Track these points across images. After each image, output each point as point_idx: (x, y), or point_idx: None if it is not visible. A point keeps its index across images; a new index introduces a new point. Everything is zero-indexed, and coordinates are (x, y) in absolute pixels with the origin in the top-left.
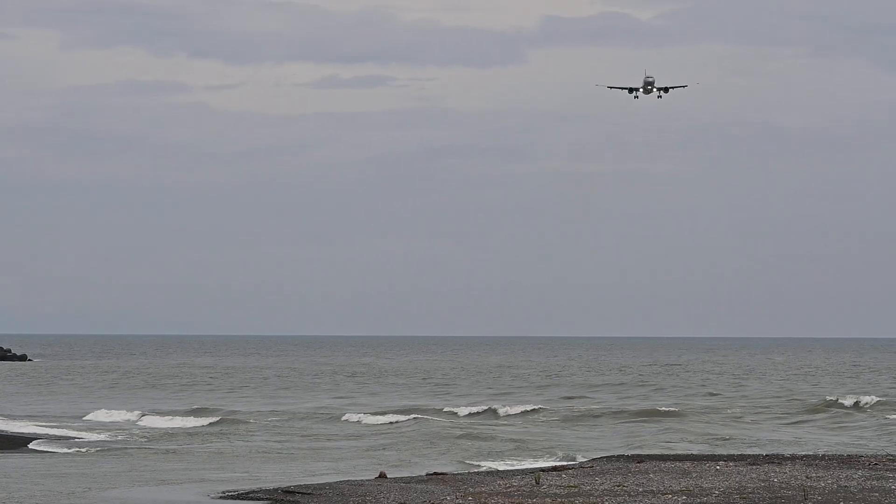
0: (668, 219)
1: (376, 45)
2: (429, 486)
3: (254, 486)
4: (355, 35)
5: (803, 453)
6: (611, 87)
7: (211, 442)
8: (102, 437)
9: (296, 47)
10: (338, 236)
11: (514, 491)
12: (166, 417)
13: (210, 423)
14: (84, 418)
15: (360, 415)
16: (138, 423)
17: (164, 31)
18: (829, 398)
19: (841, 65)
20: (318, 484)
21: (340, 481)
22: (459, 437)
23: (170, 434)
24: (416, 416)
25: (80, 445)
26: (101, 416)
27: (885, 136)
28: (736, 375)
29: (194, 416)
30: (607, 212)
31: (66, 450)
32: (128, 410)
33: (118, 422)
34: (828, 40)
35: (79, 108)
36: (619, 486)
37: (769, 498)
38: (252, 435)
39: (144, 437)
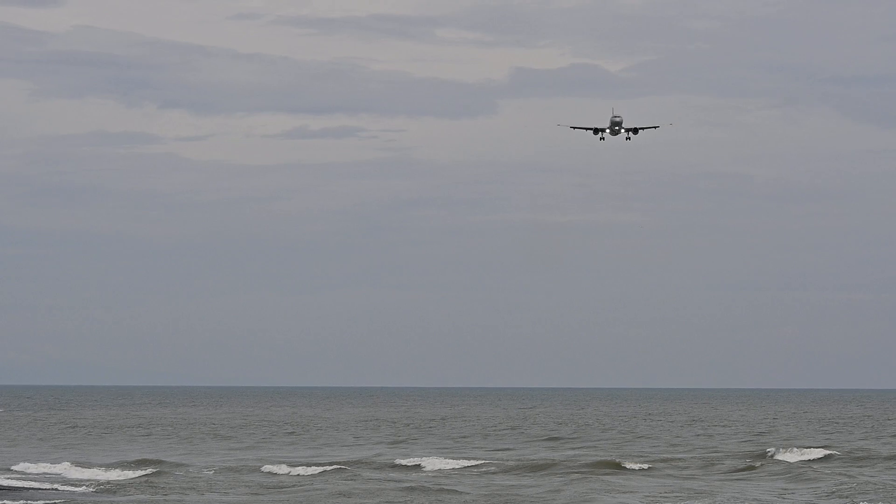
0: (636, 269)
1: (346, 97)
2: None
3: None
4: (325, 86)
5: None
6: (574, 128)
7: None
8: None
9: (266, 98)
10: (307, 285)
11: None
12: (90, 469)
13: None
14: (12, 468)
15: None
16: (62, 474)
17: (135, 82)
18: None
19: (810, 115)
20: None
21: None
22: (387, 490)
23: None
24: (339, 466)
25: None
26: (27, 467)
27: (853, 187)
28: (676, 423)
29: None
30: (575, 262)
31: None
32: (52, 462)
33: (43, 473)
34: (797, 91)
35: (48, 157)
36: None
37: None
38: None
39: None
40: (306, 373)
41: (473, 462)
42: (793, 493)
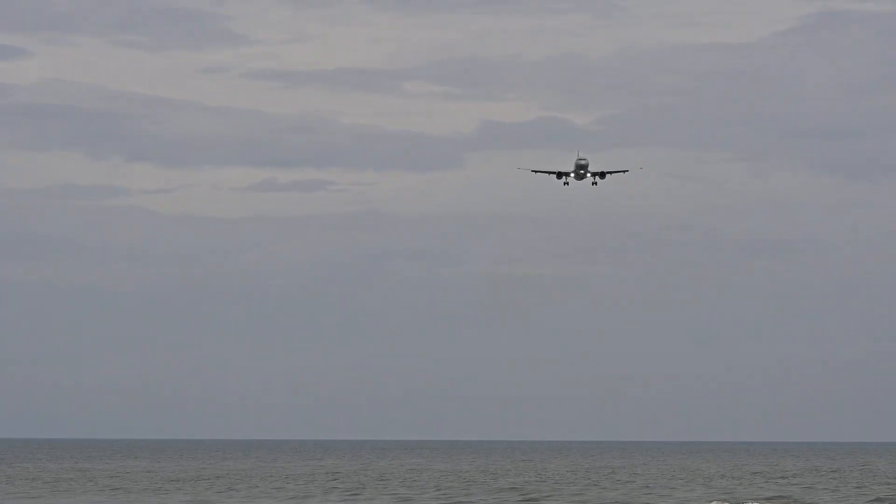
0: (603, 322)
1: (315, 150)
2: None
3: None
4: (294, 139)
5: None
6: (536, 171)
7: None
8: None
9: (234, 151)
10: (274, 338)
11: None
12: None
13: None
14: None
15: None
16: None
17: (103, 135)
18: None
19: (776, 169)
20: None
21: None
22: None
23: None
24: None
25: None
26: None
27: (819, 240)
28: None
29: None
30: (541, 314)
31: None
32: None
33: None
34: (763, 145)
35: (15, 210)
36: None
37: None
38: None
39: None
40: (269, 426)
41: None
42: None
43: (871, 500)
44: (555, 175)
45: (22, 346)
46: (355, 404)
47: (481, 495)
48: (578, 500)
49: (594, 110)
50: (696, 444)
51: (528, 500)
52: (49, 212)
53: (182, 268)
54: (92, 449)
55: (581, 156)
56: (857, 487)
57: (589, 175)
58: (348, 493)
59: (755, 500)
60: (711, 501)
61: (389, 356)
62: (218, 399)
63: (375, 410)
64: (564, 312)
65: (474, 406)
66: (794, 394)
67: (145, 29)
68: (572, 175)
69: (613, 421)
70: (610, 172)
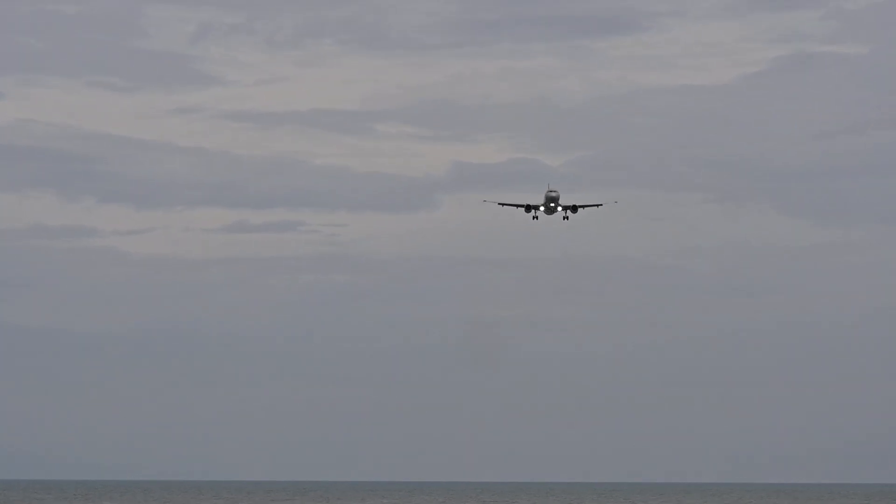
0: (574, 364)
1: (287, 191)
2: None
3: None
4: (266, 180)
5: None
6: (503, 204)
7: None
8: None
9: (206, 192)
10: (246, 379)
11: None
12: None
13: None
14: None
15: None
16: None
17: (75, 176)
18: None
19: (747, 211)
20: None
21: None
22: None
23: None
24: None
25: None
26: None
27: (790, 282)
28: None
29: None
30: (514, 355)
31: None
32: None
33: None
34: (734, 187)
35: None
36: None
37: None
38: None
39: None
40: (240, 465)
41: None
42: None
43: None
44: (523, 208)
45: None
46: (327, 444)
47: None
48: None
49: (566, 152)
50: (671, 486)
51: None
52: (20, 253)
53: (154, 309)
54: (57, 490)
55: (551, 188)
56: None
57: (560, 209)
58: None
59: None
60: None
61: (361, 397)
62: (190, 439)
63: (347, 450)
64: (536, 354)
65: (445, 447)
66: (765, 435)
67: (118, 70)
68: (542, 209)
69: (586, 462)
70: (582, 206)
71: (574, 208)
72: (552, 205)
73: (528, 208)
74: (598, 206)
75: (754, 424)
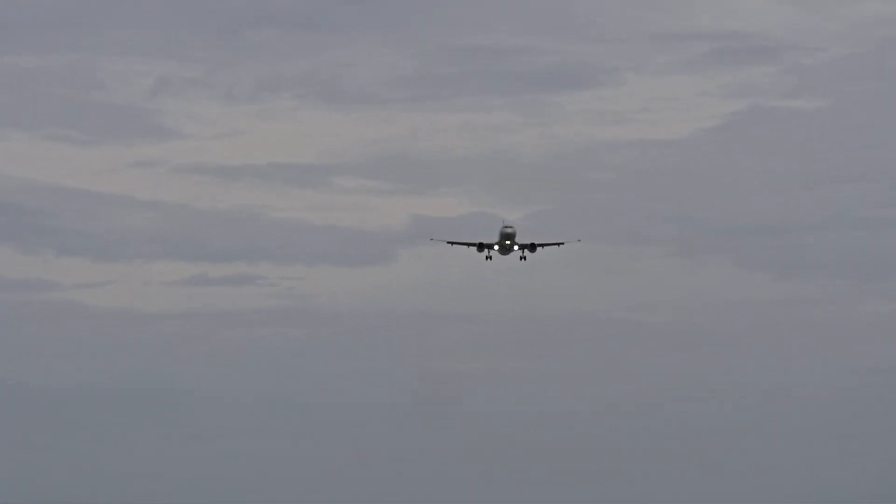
0: (535, 418)
1: (246, 244)
2: None
3: None
4: (225, 234)
5: None
6: (452, 243)
7: None
8: None
9: (165, 245)
10: (205, 434)
11: None
12: None
13: None
14: None
15: None
16: None
17: (33, 229)
18: None
19: (706, 265)
20: None
21: None
22: None
23: None
24: None
25: None
26: None
27: (748, 336)
28: None
29: None
30: (470, 411)
31: None
32: None
33: None
34: (693, 241)
35: None
36: None
37: None
38: None
39: None
40: None
41: None
42: None
43: None
44: (475, 247)
45: None
46: (284, 502)
47: None
48: None
49: (525, 206)
50: None
51: None
52: None
53: (113, 362)
54: None
55: (507, 223)
56: None
57: (517, 248)
58: None
59: None
60: None
61: (318, 452)
62: (144, 493)
63: None
64: (494, 409)
65: None
66: (720, 487)
67: (76, 123)
68: (496, 248)
69: None
70: (542, 245)
71: (532, 247)
72: (508, 243)
73: (480, 247)
74: (559, 244)
75: (717, 478)
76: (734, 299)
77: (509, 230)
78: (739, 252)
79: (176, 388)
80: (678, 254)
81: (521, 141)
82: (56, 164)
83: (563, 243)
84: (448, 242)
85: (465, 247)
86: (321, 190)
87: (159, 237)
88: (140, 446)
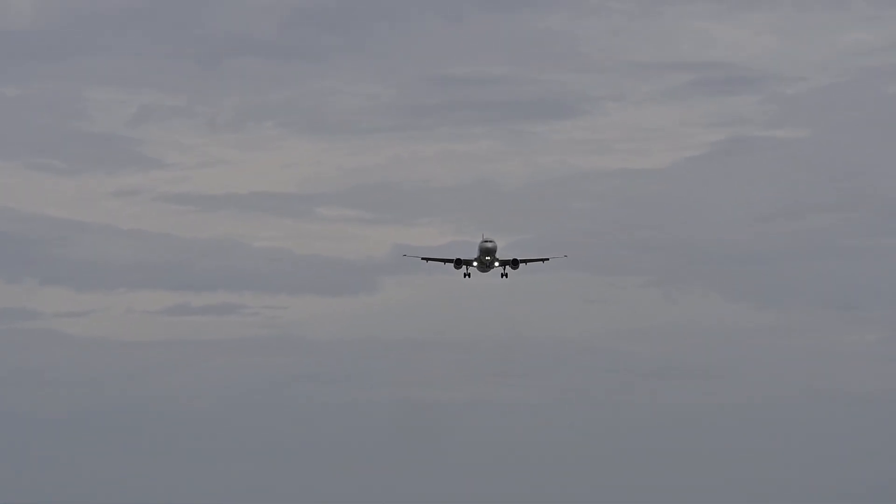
0: (516, 449)
1: (228, 274)
2: None
3: None
4: (207, 263)
5: None
6: (427, 259)
7: None
8: None
9: (147, 275)
10: (187, 462)
11: None
12: None
13: None
14: None
15: None
16: None
17: (15, 258)
18: None
19: (688, 294)
20: None
21: None
22: None
23: None
24: None
25: None
26: None
27: (730, 365)
28: None
29: None
30: (452, 439)
31: None
32: None
33: None
34: (675, 270)
35: None
36: None
37: None
38: None
39: None
40: None
41: None
42: None
43: None
44: (452, 263)
45: None
46: None
47: None
48: None
49: (508, 235)
50: None
51: None
52: None
53: (95, 392)
54: None
55: (487, 237)
56: None
57: (497, 264)
58: None
59: None
60: None
61: (301, 480)
62: None
63: None
64: (476, 438)
65: None
66: None
67: (59, 152)
68: (475, 264)
69: None
70: (525, 261)
71: (515, 263)
72: (487, 259)
73: (458, 263)
74: (543, 260)
75: None
76: (716, 328)
77: (489, 244)
78: (721, 281)
79: (159, 417)
80: (660, 283)
81: (504, 170)
82: (39, 193)
83: (547, 259)
84: (423, 259)
85: (442, 263)
86: (303, 219)
87: (142, 266)
88: (124, 474)
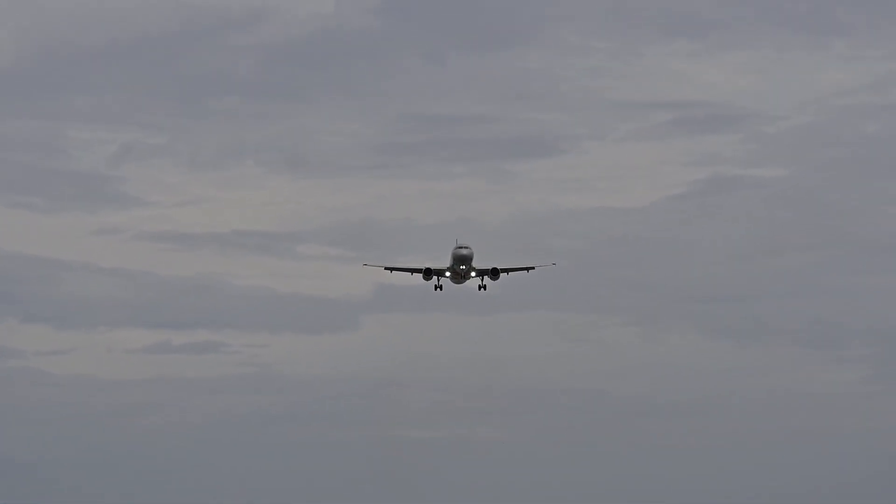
0: (495, 488)
1: (209, 312)
2: None
3: None
4: (188, 301)
5: None
6: (391, 269)
7: None
8: None
9: (128, 313)
10: (170, 501)
11: None
12: None
13: None
14: None
15: None
16: None
17: None
18: None
19: (669, 333)
20: None
21: None
22: None
23: None
24: None
25: None
26: None
27: (711, 404)
28: None
29: None
30: (435, 479)
31: None
32: None
33: None
34: (656, 309)
35: None
36: None
37: None
38: None
39: None
40: None
41: None
42: None
43: None
44: (421, 274)
45: None
46: None
47: None
48: None
49: None
50: None
51: None
52: None
53: (76, 430)
54: None
55: (462, 243)
56: None
57: (474, 274)
58: None
59: None
60: None
61: None
62: None
63: None
64: (456, 477)
65: None
66: None
67: (39, 190)
68: (447, 275)
69: None
70: (506, 270)
71: (495, 273)
72: (463, 268)
73: (428, 274)
74: (528, 269)
75: None
76: (696, 367)
77: (465, 251)
78: (702, 320)
79: (139, 456)
80: (640, 322)
81: (485, 208)
82: (19, 231)
83: (533, 268)
84: (386, 268)
85: (409, 273)
86: (284, 257)
87: (122, 305)
88: None
